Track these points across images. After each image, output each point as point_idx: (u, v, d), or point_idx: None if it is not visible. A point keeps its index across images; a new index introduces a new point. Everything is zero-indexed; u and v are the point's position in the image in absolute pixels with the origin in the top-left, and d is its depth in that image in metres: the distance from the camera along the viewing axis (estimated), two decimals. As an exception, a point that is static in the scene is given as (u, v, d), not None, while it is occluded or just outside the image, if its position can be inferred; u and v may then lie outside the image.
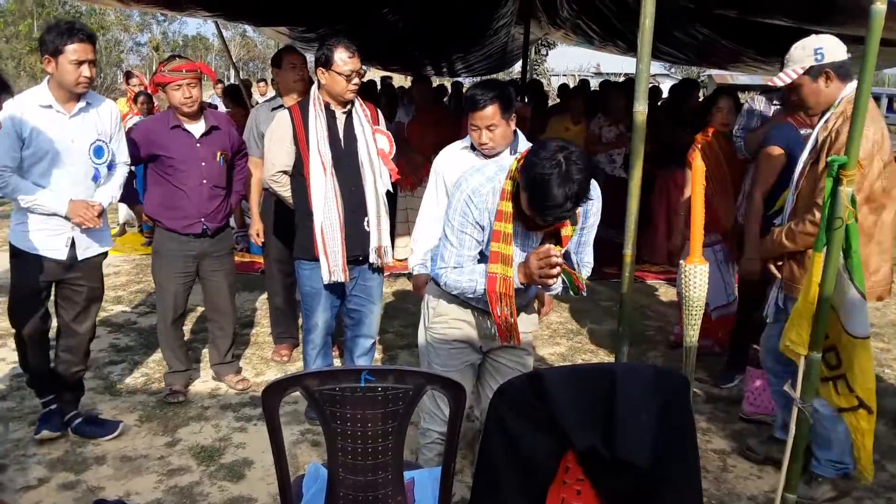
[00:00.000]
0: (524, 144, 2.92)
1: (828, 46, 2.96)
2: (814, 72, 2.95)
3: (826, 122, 2.96)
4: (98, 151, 3.30)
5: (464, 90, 13.03)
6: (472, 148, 3.01)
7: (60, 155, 3.18)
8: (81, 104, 3.23)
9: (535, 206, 2.20)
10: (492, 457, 2.08)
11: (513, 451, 1.96)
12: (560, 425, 1.83)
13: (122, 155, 3.49)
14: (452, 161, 3.06)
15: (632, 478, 1.83)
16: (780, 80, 3.03)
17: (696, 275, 2.89)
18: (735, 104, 4.67)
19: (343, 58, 3.39)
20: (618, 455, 1.76)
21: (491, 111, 2.84)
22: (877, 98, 16.26)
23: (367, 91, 9.05)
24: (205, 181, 3.74)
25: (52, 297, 3.43)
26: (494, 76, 19.51)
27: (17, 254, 3.29)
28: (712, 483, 3.30)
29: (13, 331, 3.44)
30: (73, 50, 3.05)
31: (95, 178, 3.32)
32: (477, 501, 2.12)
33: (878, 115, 3.02)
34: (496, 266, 2.37)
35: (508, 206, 2.34)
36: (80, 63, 3.08)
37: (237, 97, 7.52)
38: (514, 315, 2.43)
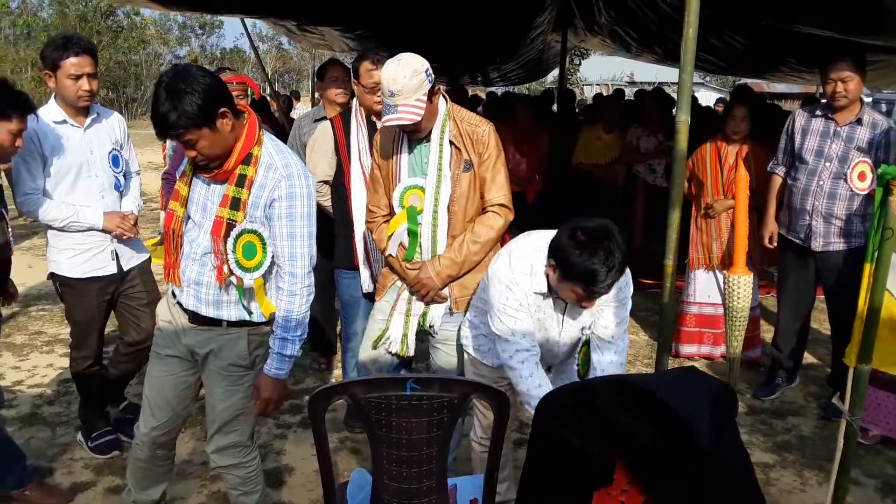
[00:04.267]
0: None
1: (428, 65, 2.73)
2: (430, 94, 2.71)
3: (449, 132, 2.80)
4: (115, 160, 3.30)
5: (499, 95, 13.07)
6: (549, 292, 2.47)
7: (83, 168, 3.17)
8: (93, 115, 3.23)
9: None
10: (537, 466, 2.08)
11: (558, 461, 1.96)
12: (609, 434, 1.83)
13: (135, 164, 3.52)
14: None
15: (680, 486, 1.82)
16: (411, 117, 2.64)
17: (740, 285, 2.88)
18: (751, 112, 4.66)
19: (367, 68, 3.39)
20: (679, 451, 1.74)
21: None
22: (891, 103, 15.95)
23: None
24: (245, 190, 3.78)
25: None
26: (527, 86, 19.51)
27: (68, 283, 3.25)
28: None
29: (68, 346, 3.49)
30: (71, 64, 3.01)
31: (117, 188, 3.32)
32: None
33: None
34: (172, 203, 2.42)
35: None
36: (77, 77, 3.03)
37: (265, 110, 7.66)
38: (178, 250, 2.41)
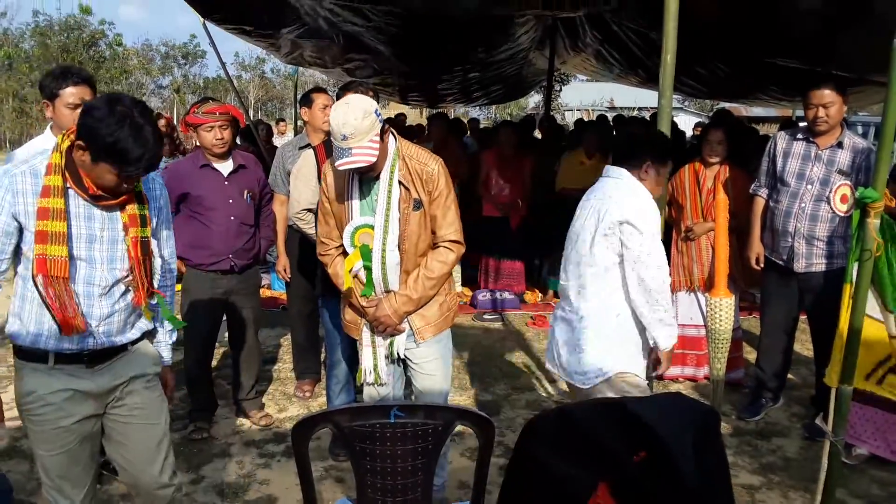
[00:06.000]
0: None
1: (377, 105, 2.75)
2: (382, 133, 2.70)
3: (398, 170, 2.79)
4: None
5: (481, 126, 13.08)
6: None
7: None
8: None
9: (117, 166, 2.09)
10: (518, 492, 2.06)
11: (542, 486, 1.95)
12: (594, 456, 1.82)
13: None
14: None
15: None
16: (365, 159, 2.62)
17: (722, 308, 2.91)
18: (729, 135, 4.72)
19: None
20: (661, 479, 1.74)
21: None
22: (867, 125, 16.19)
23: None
24: (233, 218, 3.79)
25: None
26: (508, 112, 19.62)
27: None
28: (742, 519, 3.25)
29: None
30: (69, 94, 3.03)
31: None
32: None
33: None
34: (42, 246, 2.14)
35: (59, 181, 2.16)
36: (75, 106, 3.03)
37: (249, 137, 7.77)
38: (71, 298, 2.18)
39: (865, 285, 2.08)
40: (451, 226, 2.90)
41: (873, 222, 2.01)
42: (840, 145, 3.88)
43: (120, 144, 2.05)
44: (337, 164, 2.67)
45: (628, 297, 2.79)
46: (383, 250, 2.83)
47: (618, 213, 2.77)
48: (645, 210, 2.79)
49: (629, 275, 2.77)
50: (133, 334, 2.39)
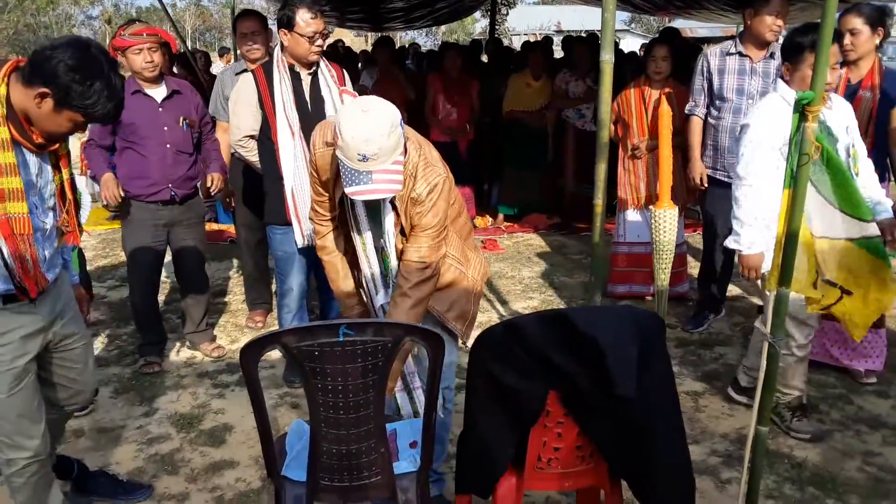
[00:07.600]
0: None
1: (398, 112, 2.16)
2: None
3: None
4: None
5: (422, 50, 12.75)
6: None
7: None
8: None
9: (87, 116, 2.07)
10: (477, 402, 2.11)
11: (495, 397, 1.99)
12: (542, 367, 1.86)
13: None
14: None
15: (612, 416, 1.87)
16: (391, 187, 2.10)
17: (666, 219, 2.96)
18: (672, 52, 4.71)
19: (305, 18, 3.32)
20: (607, 387, 1.79)
21: None
22: None
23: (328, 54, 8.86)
24: (168, 146, 3.67)
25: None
26: (455, 37, 19.26)
27: None
28: (686, 423, 3.36)
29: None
30: None
31: None
32: (465, 445, 2.17)
33: None
34: (1, 206, 2.05)
35: (5, 133, 2.05)
36: None
37: (187, 65, 7.49)
38: (35, 260, 2.16)
39: (803, 189, 2.11)
40: (426, 230, 2.30)
41: (811, 126, 2.04)
42: (772, 56, 3.92)
43: (97, 95, 2.02)
44: (350, 189, 2.11)
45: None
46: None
47: (743, 120, 3.02)
48: (760, 120, 2.91)
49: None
50: (56, 268, 2.39)
